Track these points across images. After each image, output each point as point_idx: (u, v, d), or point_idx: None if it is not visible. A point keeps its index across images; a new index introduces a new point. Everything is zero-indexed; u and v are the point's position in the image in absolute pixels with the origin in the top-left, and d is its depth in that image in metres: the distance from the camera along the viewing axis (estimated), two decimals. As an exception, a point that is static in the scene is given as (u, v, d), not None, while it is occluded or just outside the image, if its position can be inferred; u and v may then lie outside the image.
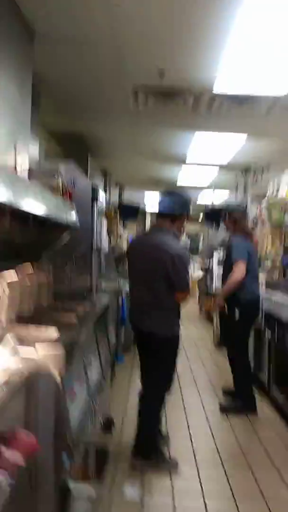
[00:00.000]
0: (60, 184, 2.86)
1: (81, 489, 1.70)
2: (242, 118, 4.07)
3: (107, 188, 7.09)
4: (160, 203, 2.69)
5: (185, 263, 2.56)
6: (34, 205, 2.09)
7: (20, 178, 2.14)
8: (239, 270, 3.34)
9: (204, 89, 3.39)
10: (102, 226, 4.61)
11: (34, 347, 1.58)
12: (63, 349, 1.69)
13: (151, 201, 10.33)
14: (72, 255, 3.49)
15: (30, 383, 1.47)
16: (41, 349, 1.61)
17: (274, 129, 4.36)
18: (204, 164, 6.03)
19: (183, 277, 2.51)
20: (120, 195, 8.74)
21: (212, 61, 2.95)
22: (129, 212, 8.08)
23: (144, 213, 11.16)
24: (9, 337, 1.49)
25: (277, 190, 5.29)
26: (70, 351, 1.84)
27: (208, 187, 7.87)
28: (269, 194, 5.65)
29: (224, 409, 3.45)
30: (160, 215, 2.68)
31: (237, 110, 3.80)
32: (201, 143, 5.05)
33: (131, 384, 3.79)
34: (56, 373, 1.66)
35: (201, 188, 8.12)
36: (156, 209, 2.72)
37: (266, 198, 5.21)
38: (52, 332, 1.90)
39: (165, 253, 2.48)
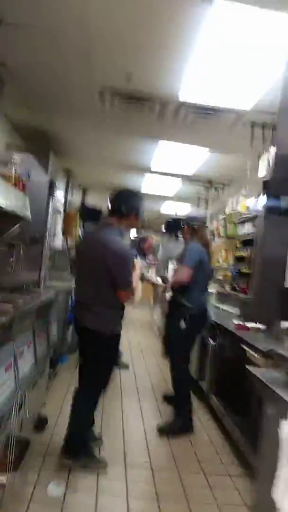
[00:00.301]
0: (13, 174, 2.81)
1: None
2: (206, 132, 4.17)
3: (69, 189, 7.05)
4: (110, 200, 2.69)
5: (127, 261, 2.52)
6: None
7: None
8: (182, 274, 3.26)
9: (170, 97, 3.47)
10: (56, 223, 4.58)
11: None
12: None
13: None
14: (19, 247, 3.43)
15: None
16: None
17: (236, 145, 4.50)
18: (168, 173, 6.11)
19: (124, 275, 2.49)
20: (83, 198, 8.70)
21: (178, 70, 3.04)
22: (91, 214, 8.05)
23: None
24: None
25: (235, 206, 5.46)
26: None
27: (172, 198, 7.99)
28: (228, 210, 5.82)
29: (161, 431, 3.24)
30: (109, 212, 2.67)
31: (202, 123, 3.91)
32: (165, 153, 5.14)
33: (72, 385, 3.74)
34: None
35: (165, 198, 8.23)
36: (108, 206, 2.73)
37: (224, 213, 5.35)
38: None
39: (107, 249, 2.46)
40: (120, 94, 3.56)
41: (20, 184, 2.92)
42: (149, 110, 3.79)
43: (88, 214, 7.76)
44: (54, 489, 2.20)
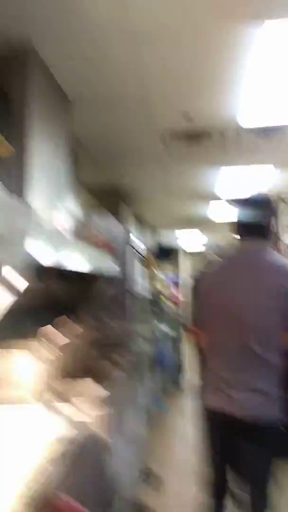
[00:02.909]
0: (99, 237, 2.89)
1: None
2: (270, 151, 4.06)
3: (142, 233, 7.19)
4: (242, 213, 1.93)
5: None
6: (80, 263, 2.11)
7: (66, 238, 2.14)
8: None
9: (229, 126, 3.45)
10: (136, 270, 4.60)
11: (83, 408, 1.53)
12: (109, 408, 1.63)
13: (183, 240, 10.36)
14: (108, 302, 3.47)
15: (83, 450, 1.41)
16: (91, 410, 1.56)
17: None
18: (236, 199, 5.97)
19: None
20: (155, 238, 8.84)
21: (233, 96, 3.01)
22: (164, 253, 8.11)
23: (177, 252, 11.18)
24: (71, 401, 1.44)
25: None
26: (113, 408, 1.77)
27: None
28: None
29: None
30: (246, 229, 1.88)
31: (265, 143, 3.81)
32: (229, 178, 5.07)
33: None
34: (105, 437, 1.60)
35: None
36: (237, 221, 1.94)
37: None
38: (97, 388, 1.86)
39: (284, 275, 1.69)
40: (180, 134, 3.61)
41: (107, 245, 2.99)
42: (210, 141, 3.79)
43: (163, 253, 7.83)
44: None
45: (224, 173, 4.89)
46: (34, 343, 1.86)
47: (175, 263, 11.12)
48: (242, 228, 1.89)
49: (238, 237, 1.92)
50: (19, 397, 1.53)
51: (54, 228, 2.16)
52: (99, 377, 2.12)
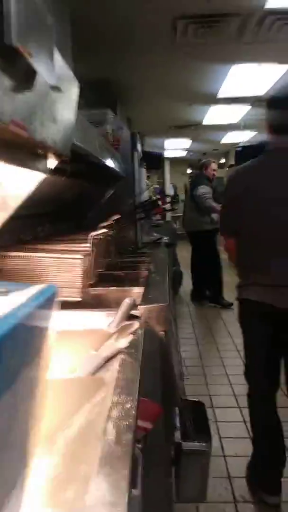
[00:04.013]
0: (109, 134, 2.64)
1: (192, 446, 1.65)
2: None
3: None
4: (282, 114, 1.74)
5: None
6: (102, 157, 1.92)
7: (90, 127, 1.90)
8: None
9: (254, 8, 3.02)
10: (142, 176, 4.41)
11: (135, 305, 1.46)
12: (166, 304, 1.58)
13: (171, 146, 9.97)
14: (120, 209, 3.32)
15: (138, 345, 1.37)
16: (145, 307, 1.49)
17: None
18: (237, 97, 5.60)
19: None
20: (142, 144, 8.41)
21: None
22: (152, 160, 7.77)
23: (163, 161, 10.85)
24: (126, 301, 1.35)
25: None
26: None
27: (237, 127, 7.45)
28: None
29: None
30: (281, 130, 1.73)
31: (287, 32, 3.42)
32: (237, 77, 4.67)
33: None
34: (161, 331, 1.56)
35: (228, 127, 7.71)
36: (278, 123, 1.76)
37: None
38: (139, 290, 1.79)
39: None
40: (196, 18, 3.16)
41: (116, 142, 2.76)
42: (227, 29, 3.36)
43: (150, 160, 7.49)
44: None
45: (233, 72, 4.48)
46: (64, 245, 1.72)
47: (161, 173, 10.86)
48: (280, 127, 1.75)
49: (274, 137, 1.78)
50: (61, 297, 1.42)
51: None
52: (129, 283, 2.06)
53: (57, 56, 1.03)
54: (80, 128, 1.57)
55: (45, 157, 1.27)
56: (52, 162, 1.31)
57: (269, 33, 3.42)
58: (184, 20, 3.19)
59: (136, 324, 1.27)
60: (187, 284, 5.53)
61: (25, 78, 0.85)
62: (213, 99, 5.64)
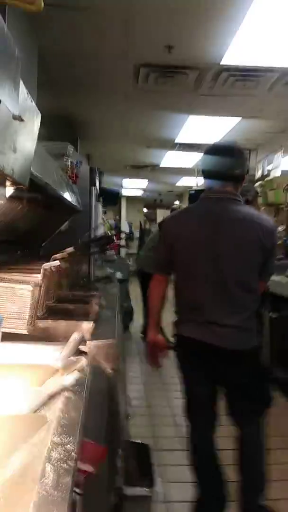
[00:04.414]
0: (69, 166, 2.67)
1: (135, 491, 1.58)
2: (242, 97, 3.96)
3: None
4: (214, 162, 1.86)
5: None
6: (60, 189, 1.92)
7: (49, 159, 1.92)
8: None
9: (211, 63, 3.25)
10: (98, 211, 4.44)
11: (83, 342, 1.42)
12: (114, 341, 1.56)
13: (129, 185, 10.20)
14: (76, 242, 3.30)
15: (83, 383, 1.33)
16: (93, 343, 1.46)
17: (273, 108, 4.29)
18: (193, 144, 5.89)
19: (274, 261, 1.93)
20: (100, 181, 8.53)
21: (226, 33, 2.81)
22: (110, 197, 7.88)
23: (120, 198, 11.05)
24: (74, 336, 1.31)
25: (269, 171, 5.27)
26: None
27: (191, 172, 7.78)
28: (258, 175, 5.64)
29: None
30: (218, 178, 1.84)
31: (239, 88, 3.69)
32: (192, 126, 4.94)
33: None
34: (108, 368, 1.52)
35: (183, 171, 8.03)
36: (208, 170, 1.88)
37: (258, 179, 5.18)
38: (88, 324, 1.75)
39: (259, 227, 1.76)
40: (158, 67, 3.35)
41: (73, 176, 2.78)
42: (185, 80, 3.58)
43: (108, 197, 7.59)
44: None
45: (191, 121, 4.73)
46: (14, 274, 1.67)
47: (118, 209, 11.01)
48: (213, 174, 1.86)
49: (208, 183, 1.89)
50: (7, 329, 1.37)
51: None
52: (79, 316, 2.02)
53: (22, 88, 1.04)
54: (40, 159, 1.58)
55: (2, 184, 1.26)
56: (9, 190, 1.30)
57: (223, 87, 3.67)
58: (146, 68, 3.36)
59: (83, 360, 1.24)
60: (138, 320, 5.51)
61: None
62: (170, 144, 5.90)
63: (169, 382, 3.75)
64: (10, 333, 1.28)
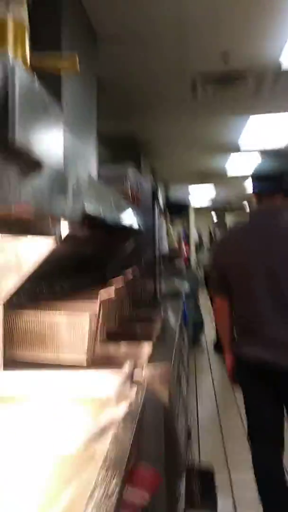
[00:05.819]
0: (129, 190, 2.75)
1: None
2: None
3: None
4: (267, 168, 1.85)
5: None
6: (118, 216, 1.99)
7: (104, 188, 2.01)
8: None
9: (269, 67, 3.17)
10: (162, 228, 4.50)
11: (140, 367, 1.46)
12: (170, 366, 1.58)
13: (196, 196, 10.14)
14: (141, 261, 3.37)
15: (135, 415, 1.36)
16: (148, 369, 1.50)
17: None
18: (259, 149, 5.73)
19: None
20: (166, 193, 8.62)
21: (279, 35, 2.73)
22: (176, 208, 7.92)
23: (187, 208, 11.02)
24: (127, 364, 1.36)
25: None
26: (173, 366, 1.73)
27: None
28: None
29: None
30: (269, 191, 1.82)
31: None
32: (256, 127, 4.82)
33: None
34: (165, 394, 1.54)
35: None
36: (257, 183, 1.88)
37: None
38: (147, 347, 1.79)
39: None
40: (214, 77, 3.34)
41: (135, 199, 2.86)
42: (244, 85, 3.52)
43: (174, 210, 7.64)
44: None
45: (252, 122, 4.64)
46: (74, 303, 1.76)
47: (186, 219, 10.98)
48: (263, 181, 1.83)
49: (259, 193, 1.87)
50: (66, 360, 1.45)
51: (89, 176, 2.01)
52: (140, 338, 2.06)
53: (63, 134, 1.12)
54: (93, 193, 1.66)
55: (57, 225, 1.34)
56: (64, 229, 1.38)
57: (284, 90, 3.55)
58: (203, 79, 3.37)
59: (136, 389, 1.28)
60: (210, 333, 5.44)
61: (31, 169, 0.93)
62: (234, 148, 5.80)
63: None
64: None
